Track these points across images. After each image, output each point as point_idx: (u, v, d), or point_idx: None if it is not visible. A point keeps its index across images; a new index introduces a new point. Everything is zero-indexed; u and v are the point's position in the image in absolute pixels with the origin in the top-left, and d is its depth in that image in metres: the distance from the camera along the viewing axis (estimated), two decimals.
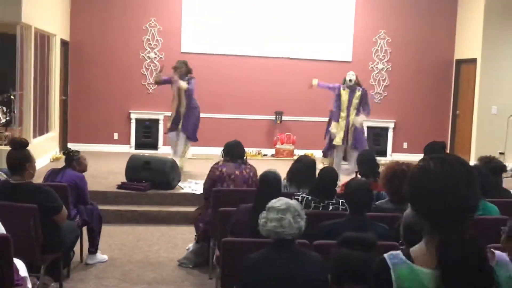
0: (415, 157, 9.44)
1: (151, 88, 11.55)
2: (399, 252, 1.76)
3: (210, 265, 5.60)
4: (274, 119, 11.86)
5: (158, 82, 9.19)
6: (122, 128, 11.58)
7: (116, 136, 11.58)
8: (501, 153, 10.50)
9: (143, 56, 11.56)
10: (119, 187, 7.93)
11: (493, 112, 11.20)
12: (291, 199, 4.36)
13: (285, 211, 3.34)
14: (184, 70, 8.90)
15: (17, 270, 3.80)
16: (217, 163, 5.87)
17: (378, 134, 12.08)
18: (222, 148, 6.02)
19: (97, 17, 11.36)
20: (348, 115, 8.68)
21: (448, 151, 10.31)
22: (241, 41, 11.72)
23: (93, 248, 5.86)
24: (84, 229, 5.78)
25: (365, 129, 9.31)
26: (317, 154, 10.66)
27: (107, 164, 9.78)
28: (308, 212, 3.95)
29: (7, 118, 9.60)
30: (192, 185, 8.22)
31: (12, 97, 9.56)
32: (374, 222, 4.04)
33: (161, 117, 11.54)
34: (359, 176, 5.79)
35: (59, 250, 4.83)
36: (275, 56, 11.81)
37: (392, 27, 12.06)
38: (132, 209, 7.59)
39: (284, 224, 3.30)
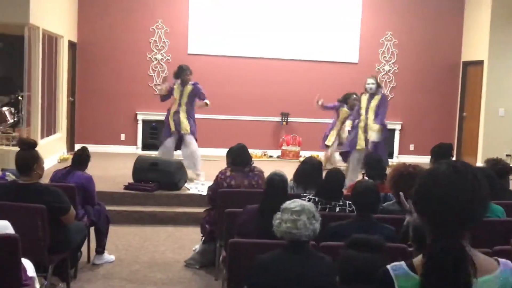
0: (422, 159, 9.45)
1: (157, 89, 11.57)
2: (402, 263, 1.75)
3: (217, 266, 5.61)
4: (280, 120, 11.87)
5: (163, 96, 8.96)
6: (129, 129, 11.62)
7: (123, 137, 11.62)
8: (508, 155, 10.48)
9: (150, 57, 11.59)
10: (126, 187, 7.95)
11: (500, 114, 11.17)
12: None
13: (300, 212, 3.34)
14: (187, 76, 8.72)
15: (25, 270, 3.82)
16: (223, 173, 5.75)
17: (385, 136, 12.05)
18: (226, 153, 5.97)
19: (104, 19, 11.40)
20: (366, 119, 8.59)
21: (455, 153, 10.30)
22: (247, 43, 11.74)
23: (100, 249, 5.88)
24: (92, 229, 5.80)
25: None
26: (323, 155, 10.66)
27: (114, 165, 9.82)
28: None
29: (15, 119, 9.65)
30: (199, 186, 8.24)
31: (20, 98, 9.62)
32: (381, 224, 4.04)
33: None
34: (366, 178, 5.79)
35: (66, 251, 4.85)
36: (281, 58, 11.82)
37: (399, 28, 12.05)
38: (139, 209, 7.61)
39: (299, 225, 3.30)
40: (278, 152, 11.74)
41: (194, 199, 7.81)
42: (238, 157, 5.80)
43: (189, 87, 8.70)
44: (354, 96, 9.73)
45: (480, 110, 11.37)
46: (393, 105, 11.95)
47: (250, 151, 11.38)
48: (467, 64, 12.07)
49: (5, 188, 4.66)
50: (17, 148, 4.77)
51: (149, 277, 5.61)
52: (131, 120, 11.62)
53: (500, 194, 4.92)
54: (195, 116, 8.94)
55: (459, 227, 1.67)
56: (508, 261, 1.76)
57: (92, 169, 6.20)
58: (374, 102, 8.56)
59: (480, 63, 11.41)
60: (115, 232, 6.65)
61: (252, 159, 5.99)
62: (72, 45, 11.10)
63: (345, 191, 5.01)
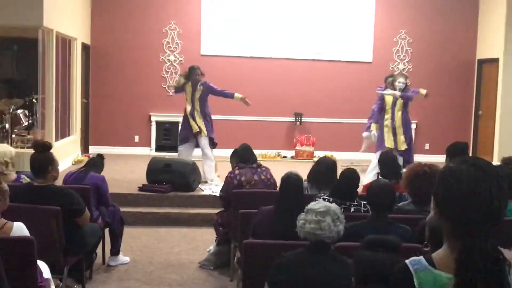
0: (437, 158, 9.39)
1: (171, 91, 11.60)
2: (421, 257, 1.73)
3: (231, 267, 5.60)
4: (294, 120, 11.84)
5: (177, 88, 8.85)
6: (142, 130, 11.65)
7: (136, 138, 11.65)
8: None
9: (163, 59, 11.62)
10: (140, 189, 7.97)
11: None
12: (313, 200, 4.35)
13: (324, 213, 3.31)
14: (198, 76, 8.62)
15: (41, 272, 3.83)
16: (232, 172, 5.81)
17: None
18: (230, 155, 6.03)
19: (117, 21, 11.44)
20: (393, 116, 8.50)
21: (470, 152, 10.21)
22: (259, 43, 11.72)
23: (115, 250, 5.89)
24: (106, 231, 5.81)
25: None
26: (338, 155, 10.63)
27: (128, 166, 9.85)
28: None
29: (30, 121, 9.72)
30: (213, 187, 8.23)
31: (34, 100, 9.68)
32: (396, 224, 4.01)
33: (181, 120, 11.54)
34: (381, 177, 5.75)
35: (81, 252, 4.86)
36: (295, 58, 11.79)
37: (412, 27, 11.97)
38: (153, 211, 7.62)
39: (324, 226, 3.26)
40: (292, 153, 11.71)
41: (208, 200, 7.80)
42: (245, 156, 5.89)
43: (199, 89, 8.59)
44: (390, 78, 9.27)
45: (496, 109, 11.27)
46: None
47: (264, 151, 11.53)
48: (482, 62, 11.97)
49: (20, 190, 4.67)
50: (32, 151, 4.79)
51: (163, 278, 5.61)
52: (145, 121, 11.65)
53: None
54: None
55: (487, 226, 1.65)
56: None
57: (106, 171, 6.22)
58: (400, 101, 8.46)
59: (495, 60, 11.30)
60: (129, 233, 6.67)
61: (257, 159, 6.05)
62: (85, 47, 11.15)
63: (359, 191, 4.98)
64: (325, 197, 4.66)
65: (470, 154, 10.68)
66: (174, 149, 11.53)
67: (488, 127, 11.59)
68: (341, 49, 11.86)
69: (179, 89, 8.80)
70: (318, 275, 3.18)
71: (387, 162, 5.72)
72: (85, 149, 11.21)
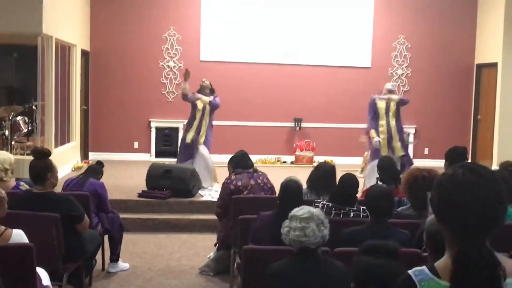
0: (436, 163, 9.39)
1: (170, 96, 11.63)
2: (423, 267, 1.72)
3: (231, 273, 5.59)
4: (293, 125, 11.85)
5: (185, 95, 8.70)
6: (142, 136, 11.66)
7: (136, 144, 11.66)
8: None
9: (162, 65, 11.64)
10: (140, 195, 7.97)
11: None
12: (312, 206, 4.35)
13: (308, 219, 3.31)
14: (209, 87, 8.71)
15: (40, 279, 3.83)
16: (229, 178, 5.84)
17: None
18: (228, 161, 6.06)
19: (116, 27, 11.47)
20: (388, 123, 8.46)
21: (469, 157, 10.20)
22: (259, 49, 11.75)
23: (115, 256, 5.89)
24: (106, 237, 5.81)
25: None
26: (337, 160, 10.64)
27: (128, 172, 9.85)
28: (329, 219, 3.92)
29: (29, 128, 9.72)
30: (212, 193, 8.23)
31: (33, 107, 9.69)
32: (395, 229, 4.01)
33: (180, 126, 11.57)
34: (379, 182, 5.75)
35: (81, 259, 4.85)
36: (294, 63, 11.81)
37: (411, 32, 11.99)
38: (153, 217, 7.62)
39: (308, 233, 3.27)
40: (291, 158, 11.72)
41: (208, 206, 7.79)
42: (241, 162, 5.92)
43: (208, 107, 8.60)
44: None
45: (495, 113, 11.27)
46: (407, 109, 11.83)
47: (264, 157, 11.53)
48: (481, 66, 11.99)
49: (20, 197, 4.67)
50: (31, 157, 4.79)
51: (163, 285, 5.61)
52: (144, 127, 11.66)
53: None
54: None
55: (482, 231, 1.65)
56: None
57: (106, 177, 6.23)
58: (393, 107, 8.44)
59: (494, 65, 11.32)
60: (129, 240, 6.66)
61: (253, 164, 6.10)
62: (85, 54, 11.17)
63: (358, 196, 4.98)
64: (324, 202, 4.66)
65: (470, 159, 10.69)
66: (173, 155, 11.53)
67: (487, 132, 11.60)
68: (340, 55, 11.87)
69: (186, 96, 8.71)
70: (307, 281, 3.18)
71: (386, 167, 5.73)
72: (84, 156, 11.22)
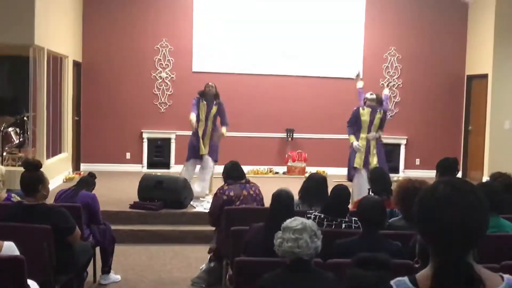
0: (428, 174, 9.41)
1: (163, 107, 11.63)
2: (405, 278, 1.74)
3: (223, 285, 5.57)
4: (285, 136, 11.87)
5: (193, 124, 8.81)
6: (134, 147, 11.64)
7: (128, 155, 11.64)
8: None
9: (154, 76, 11.64)
10: (132, 206, 7.94)
11: (506, 127, 11.14)
12: (304, 217, 4.35)
13: (301, 231, 3.32)
14: (213, 92, 8.83)
15: None
16: (221, 188, 5.89)
17: (390, 151, 12.01)
18: (222, 172, 6.09)
19: (109, 38, 11.47)
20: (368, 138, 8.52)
21: (461, 168, 10.25)
22: (251, 60, 11.78)
23: (106, 268, 5.86)
24: (97, 249, 5.78)
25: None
26: (329, 171, 10.66)
27: (120, 183, 9.82)
28: (321, 230, 3.93)
29: (21, 139, 9.67)
30: (205, 204, 8.22)
31: (25, 118, 9.65)
32: (387, 240, 4.02)
33: (173, 136, 11.59)
34: (371, 193, 5.76)
35: (72, 271, 4.83)
36: (285, 74, 11.85)
37: (402, 43, 12.07)
38: (145, 228, 7.59)
39: (301, 244, 3.27)
40: (283, 168, 11.72)
41: (200, 217, 7.77)
42: (233, 172, 5.95)
43: (214, 108, 8.81)
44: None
45: (486, 124, 11.34)
46: (398, 119, 11.95)
47: (256, 167, 11.53)
48: (471, 77, 12.07)
49: (11, 209, 4.65)
50: (22, 169, 4.77)
51: None
52: (136, 138, 11.64)
53: (507, 208, 4.87)
54: None
55: (462, 245, 1.67)
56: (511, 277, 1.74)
57: (97, 189, 6.20)
58: (377, 121, 8.52)
59: (484, 76, 11.40)
60: (121, 251, 6.63)
61: (246, 176, 6.12)
62: (77, 65, 11.16)
63: (350, 207, 4.99)
64: (316, 213, 4.67)
65: (461, 170, 10.74)
66: (166, 166, 11.56)
67: (478, 142, 11.66)
68: (331, 66, 11.92)
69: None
70: None
71: (378, 179, 5.74)
72: (76, 167, 11.18)
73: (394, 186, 5.33)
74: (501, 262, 3.52)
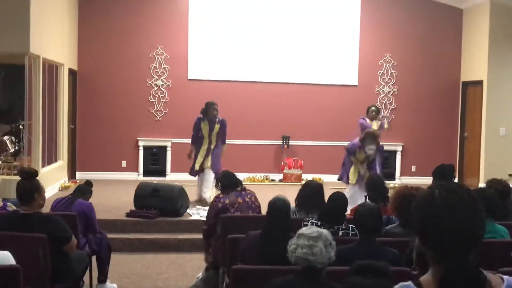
0: (424, 180, 9.44)
1: (158, 115, 11.62)
2: (409, 282, 1.75)
3: None
4: (281, 143, 11.87)
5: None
6: (130, 155, 11.61)
7: (124, 163, 11.61)
8: (511, 175, 10.44)
9: (150, 83, 11.64)
10: (128, 215, 7.92)
11: (501, 134, 11.17)
12: (301, 225, 4.35)
13: (316, 238, 3.31)
14: (216, 112, 9.07)
15: None
16: (217, 196, 5.92)
17: (386, 158, 12.02)
18: (216, 181, 6.12)
19: (104, 46, 11.47)
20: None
21: (457, 174, 10.26)
22: (246, 67, 11.79)
23: (102, 277, 5.83)
24: (93, 258, 5.76)
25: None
26: (325, 178, 10.65)
27: (116, 192, 9.80)
28: None
29: (16, 148, 9.67)
30: (201, 212, 8.20)
31: (21, 127, 9.65)
32: (384, 247, 4.01)
33: (168, 144, 11.58)
34: (368, 200, 5.76)
35: (68, 280, 4.81)
36: (281, 81, 11.86)
37: (397, 50, 12.10)
38: (141, 237, 7.57)
39: (316, 252, 3.26)
40: (280, 176, 11.72)
41: (197, 225, 7.75)
42: (227, 181, 5.96)
43: (217, 126, 9.00)
44: (373, 108, 9.69)
45: (481, 130, 11.37)
46: (394, 126, 11.96)
47: (252, 175, 11.51)
48: (466, 84, 12.10)
49: (6, 218, 4.63)
50: (18, 178, 4.76)
51: None
52: (132, 146, 11.62)
53: (503, 214, 4.88)
54: None
55: (463, 248, 1.68)
56: (511, 278, 1.75)
57: (93, 197, 6.19)
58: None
59: (479, 83, 11.44)
60: (117, 260, 6.61)
61: (242, 183, 6.13)
62: (72, 73, 11.15)
63: (347, 215, 4.98)
64: (313, 221, 4.66)
65: (457, 176, 10.75)
66: (162, 173, 11.54)
67: (474, 149, 11.68)
68: (327, 73, 11.94)
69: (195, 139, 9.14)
70: None
71: (374, 185, 5.74)
72: (72, 175, 11.14)
73: (390, 193, 5.33)
74: (497, 267, 3.52)
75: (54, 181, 9.72)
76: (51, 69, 9.82)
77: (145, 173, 11.53)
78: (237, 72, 11.76)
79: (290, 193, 5.44)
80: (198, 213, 8.20)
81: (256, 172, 11.59)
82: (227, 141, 9.40)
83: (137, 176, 11.40)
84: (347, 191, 8.51)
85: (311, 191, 5.44)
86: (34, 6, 8.48)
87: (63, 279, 4.71)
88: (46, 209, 5.25)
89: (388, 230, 4.63)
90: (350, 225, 4.59)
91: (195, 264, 6.73)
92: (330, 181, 10.17)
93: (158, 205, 7.92)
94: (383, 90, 12.11)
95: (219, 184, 6.02)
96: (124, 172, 11.53)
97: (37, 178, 4.69)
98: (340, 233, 4.57)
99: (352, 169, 8.63)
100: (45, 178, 7.95)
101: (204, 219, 7.50)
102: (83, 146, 11.52)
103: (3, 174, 8.65)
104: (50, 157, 9.77)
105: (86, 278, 5.65)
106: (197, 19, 11.68)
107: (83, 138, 11.52)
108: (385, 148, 11.77)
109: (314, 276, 3.27)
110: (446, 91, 12.23)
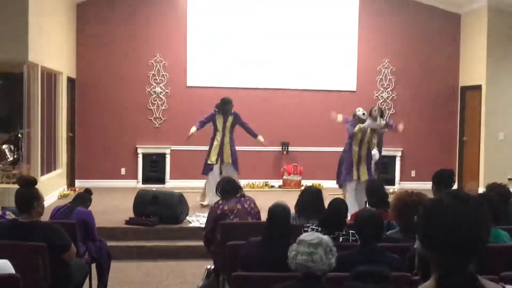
0: (424, 185, 9.41)
1: (157, 122, 11.61)
2: None
3: None
4: (281, 150, 11.86)
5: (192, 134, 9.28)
6: (129, 163, 11.60)
7: (123, 171, 11.60)
8: (510, 179, 10.44)
9: (149, 91, 11.64)
10: (127, 222, 7.90)
11: (500, 138, 11.18)
12: (301, 231, 4.33)
13: (317, 245, 3.29)
14: (231, 107, 9.29)
15: None
16: (216, 203, 5.90)
17: (386, 163, 12.01)
18: (216, 188, 6.13)
19: (102, 54, 11.48)
20: (360, 149, 8.82)
21: (456, 179, 10.25)
22: (245, 74, 11.80)
23: (102, 285, 5.81)
24: (93, 266, 5.74)
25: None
26: (325, 184, 10.64)
27: (115, 199, 9.78)
28: None
29: (15, 156, 9.63)
30: (200, 219, 8.18)
31: (19, 135, 9.62)
32: (385, 253, 4.00)
33: (167, 151, 11.57)
34: (368, 206, 5.75)
35: None
36: (280, 88, 11.87)
37: (395, 55, 12.12)
38: (141, 244, 7.55)
39: (316, 259, 3.25)
40: (279, 182, 11.71)
41: (196, 232, 7.72)
42: (226, 187, 5.95)
43: (230, 118, 9.24)
44: (375, 108, 9.61)
45: (480, 135, 11.37)
46: (393, 132, 11.94)
47: (252, 181, 11.49)
48: (465, 89, 12.11)
49: (5, 227, 4.62)
50: (17, 186, 4.74)
51: None
52: (131, 154, 11.61)
53: (503, 219, 4.87)
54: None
55: (466, 255, 1.68)
56: None
57: (93, 205, 6.17)
58: (369, 133, 8.74)
59: (478, 87, 11.45)
60: (117, 268, 6.58)
61: (242, 189, 6.14)
62: (71, 81, 11.15)
63: (347, 220, 4.97)
64: (313, 226, 4.65)
65: (456, 181, 10.74)
66: (161, 181, 11.52)
67: (473, 153, 11.68)
68: (325, 79, 11.96)
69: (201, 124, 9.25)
70: None
71: (375, 191, 5.73)
72: (71, 183, 11.13)
73: (390, 199, 5.32)
74: (500, 273, 3.51)
75: (53, 189, 9.70)
76: (50, 77, 9.82)
77: (144, 181, 11.51)
78: (236, 78, 11.76)
79: (290, 199, 5.42)
80: (198, 220, 8.18)
81: (255, 179, 11.57)
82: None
83: (136, 184, 11.39)
84: (347, 197, 8.50)
85: (310, 197, 5.43)
86: (32, 15, 8.48)
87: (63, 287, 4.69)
88: (45, 217, 5.23)
89: (388, 236, 4.61)
90: (350, 231, 4.58)
91: (195, 272, 6.71)
92: (329, 187, 10.16)
93: (157, 212, 7.90)
94: (381, 96, 12.12)
95: (220, 189, 6.00)
96: (123, 180, 11.51)
97: (36, 186, 4.67)
98: (341, 239, 4.56)
99: (354, 157, 8.61)
100: (44, 186, 7.93)
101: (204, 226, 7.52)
102: (82, 154, 11.51)
103: (2, 183, 8.63)
104: (49, 165, 9.75)
105: (86, 286, 5.63)
106: (196, 26, 11.70)
107: (82, 146, 11.51)
108: (384, 153, 11.80)
109: (314, 283, 3.26)
110: (445, 96, 12.24)
